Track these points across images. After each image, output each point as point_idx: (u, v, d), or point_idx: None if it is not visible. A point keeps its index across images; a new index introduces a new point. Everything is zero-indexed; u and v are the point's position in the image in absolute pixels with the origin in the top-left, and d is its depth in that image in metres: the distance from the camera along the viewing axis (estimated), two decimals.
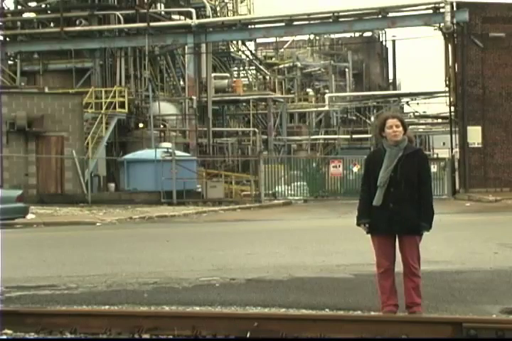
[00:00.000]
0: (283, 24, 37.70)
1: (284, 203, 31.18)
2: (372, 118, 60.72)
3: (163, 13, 42.77)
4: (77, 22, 39.57)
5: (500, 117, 33.49)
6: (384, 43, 75.62)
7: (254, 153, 43.40)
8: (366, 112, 65.94)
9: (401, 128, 7.06)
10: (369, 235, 7.22)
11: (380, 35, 71.67)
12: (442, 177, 34.78)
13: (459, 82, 34.02)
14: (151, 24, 38.09)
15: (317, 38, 66.31)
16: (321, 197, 34.18)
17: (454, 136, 34.92)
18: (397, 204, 6.97)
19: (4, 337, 6.42)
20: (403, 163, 7.01)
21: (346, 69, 69.76)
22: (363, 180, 7.33)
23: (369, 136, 56.12)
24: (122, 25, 38.84)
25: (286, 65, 60.76)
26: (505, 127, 33.44)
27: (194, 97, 39.19)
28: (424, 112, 61.12)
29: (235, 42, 51.52)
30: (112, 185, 33.97)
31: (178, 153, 32.39)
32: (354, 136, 58.21)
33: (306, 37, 63.11)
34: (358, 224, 7.17)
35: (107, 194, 32.25)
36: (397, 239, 7.13)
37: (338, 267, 10.66)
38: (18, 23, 40.71)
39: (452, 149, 35.16)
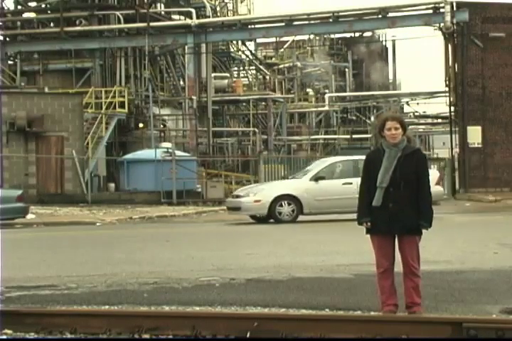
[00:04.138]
0: (283, 24, 37.72)
1: None
2: (372, 118, 60.75)
3: (163, 13, 42.80)
4: (77, 22, 39.59)
5: (500, 117, 33.50)
6: (384, 43, 75.59)
7: (254, 153, 43.42)
8: (366, 112, 65.96)
9: (400, 130, 7.06)
10: (368, 235, 7.23)
11: (380, 35, 71.70)
12: (442, 177, 34.76)
13: (459, 82, 34.03)
14: (151, 24, 38.10)
15: (317, 38, 66.31)
16: None
17: (454, 136, 34.92)
18: (397, 204, 6.97)
19: (4, 337, 6.42)
20: (402, 164, 7.02)
21: (346, 69, 69.77)
22: (362, 179, 7.34)
23: (369, 136, 56.13)
24: (122, 25, 38.86)
25: (286, 65, 60.76)
26: (505, 127, 33.45)
27: (194, 97, 39.20)
28: (424, 112, 61.14)
29: (235, 42, 51.53)
30: (112, 185, 33.97)
31: (178, 153, 32.40)
32: (354, 136, 58.25)
33: (306, 37, 63.10)
34: (360, 223, 7.17)
35: (107, 194, 32.26)
36: (396, 239, 7.15)
37: (338, 267, 10.66)
38: (18, 23, 40.73)
39: (452, 149, 35.17)
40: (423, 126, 65.52)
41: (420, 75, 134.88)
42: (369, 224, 7.08)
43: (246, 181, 35.64)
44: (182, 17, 42.75)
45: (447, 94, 38.32)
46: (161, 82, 43.20)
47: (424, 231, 7.11)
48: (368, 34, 68.50)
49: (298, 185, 20.49)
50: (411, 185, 7.01)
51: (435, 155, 49.87)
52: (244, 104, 51.51)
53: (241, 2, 54.77)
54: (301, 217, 20.22)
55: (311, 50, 66.29)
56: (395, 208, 6.97)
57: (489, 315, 7.28)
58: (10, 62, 41.54)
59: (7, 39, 41.09)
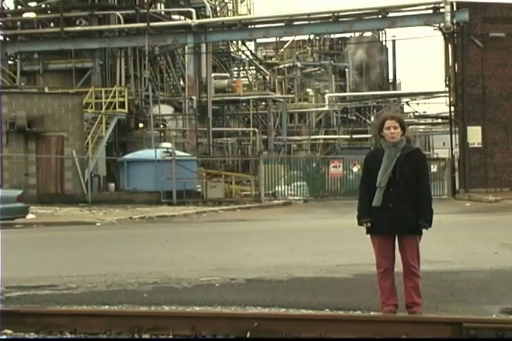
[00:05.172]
0: (283, 24, 37.73)
1: (284, 203, 31.18)
2: (372, 118, 60.73)
3: (163, 13, 42.78)
4: (77, 22, 39.58)
5: (500, 117, 33.50)
6: (384, 43, 75.58)
7: (254, 153, 43.39)
8: (366, 112, 65.92)
9: (399, 130, 7.07)
10: (369, 235, 7.23)
11: (380, 35, 71.64)
12: (442, 177, 34.80)
13: (459, 82, 34.03)
14: (151, 24, 38.09)
15: (317, 38, 66.31)
16: (321, 197, 34.19)
17: (454, 136, 34.92)
18: (397, 204, 6.97)
19: (4, 337, 6.42)
20: (402, 164, 7.02)
21: (346, 69, 69.76)
22: (362, 179, 7.34)
23: (369, 136, 56.13)
24: (122, 25, 38.85)
25: (286, 65, 60.76)
26: (505, 127, 33.46)
27: (194, 97, 39.19)
28: (424, 112, 61.14)
29: (235, 42, 51.52)
30: (112, 185, 33.97)
31: (178, 153, 32.40)
32: (354, 136, 58.24)
33: (306, 37, 63.10)
34: (360, 224, 7.17)
35: (107, 194, 32.25)
36: (396, 239, 7.14)
37: (338, 267, 10.66)
38: (18, 23, 40.70)
39: (452, 149, 35.16)
40: (423, 126, 65.52)
41: (420, 75, 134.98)
42: (369, 224, 7.09)
43: (246, 181, 35.69)
44: (182, 17, 42.73)
45: (447, 94, 38.30)
46: (161, 82, 43.17)
47: (424, 231, 7.11)
48: (368, 34, 68.49)
49: None
50: (411, 185, 7.01)
51: (435, 155, 49.87)
52: (244, 104, 51.47)
53: (241, 2, 54.74)
54: (300, 216, 20.21)
55: (311, 50, 66.26)
56: (395, 208, 6.97)
57: (489, 315, 7.28)
58: (10, 62, 41.53)
59: (7, 39, 41.07)
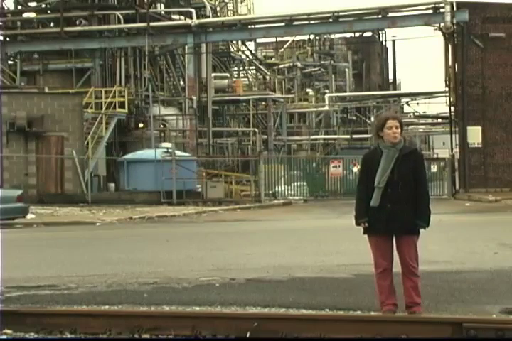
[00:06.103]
0: (283, 24, 37.72)
1: (284, 203, 31.17)
2: (372, 118, 60.73)
3: (163, 13, 42.80)
4: (77, 22, 39.58)
5: (500, 117, 33.50)
6: (384, 43, 75.60)
7: (254, 153, 43.40)
8: (366, 112, 65.95)
9: (399, 130, 7.08)
10: (366, 235, 7.23)
11: (380, 35, 71.68)
12: (442, 177, 34.80)
13: (459, 82, 34.02)
14: (151, 24, 38.10)
15: (317, 38, 66.35)
16: (321, 197, 34.18)
17: (453, 136, 34.92)
18: (395, 204, 6.97)
19: (4, 337, 6.42)
20: (400, 164, 7.02)
21: (346, 69, 69.77)
22: (360, 180, 7.34)
23: (369, 136, 56.13)
24: (122, 25, 38.86)
25: (286, 65, 60.77)
26: (505, 127, 33.45)
27: (194, 97, 39.19)
28: (424, 112, 61.16)
29: (235, 42, 51.53)
30: (112, 185, 33.98)
31: (178, 153, 32.40)
32: (354, 136, 58.26)
33: (306, 37, 63.13)
34: (358, 224, 7.18)
35: (107, 194, 32.26)
36: (394, 239, 7.14)
37: (338, 267, 10.66)
38: (18, 23, 40.73)
39: (452, 149, 35.16)
40: (423, 126, 65.54)
41: (420, 75, 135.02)
42: (366, 224, 7.09)
43: (246, 181, 35.69)
44: (182, 17, 42.74)
45: (447, 94, 38.31)
46: (161, 82, 43.18)
47: (424, 231, 7.11)
48: (368, 34, 68.54)
49: None
50: (408, 185, 7.01)
51: (435, 155, 49.89)
52: (244, 104, 51.48)
53: (241, 2, 54.75)
54: (300, 216, 20.19)
55: (311, 50, 66.28)
56: (393, 208, 6.97)
57: (489, 315, 7.28)
58: (10, 62, 41.54)
59: (7, 39, 41.08)
